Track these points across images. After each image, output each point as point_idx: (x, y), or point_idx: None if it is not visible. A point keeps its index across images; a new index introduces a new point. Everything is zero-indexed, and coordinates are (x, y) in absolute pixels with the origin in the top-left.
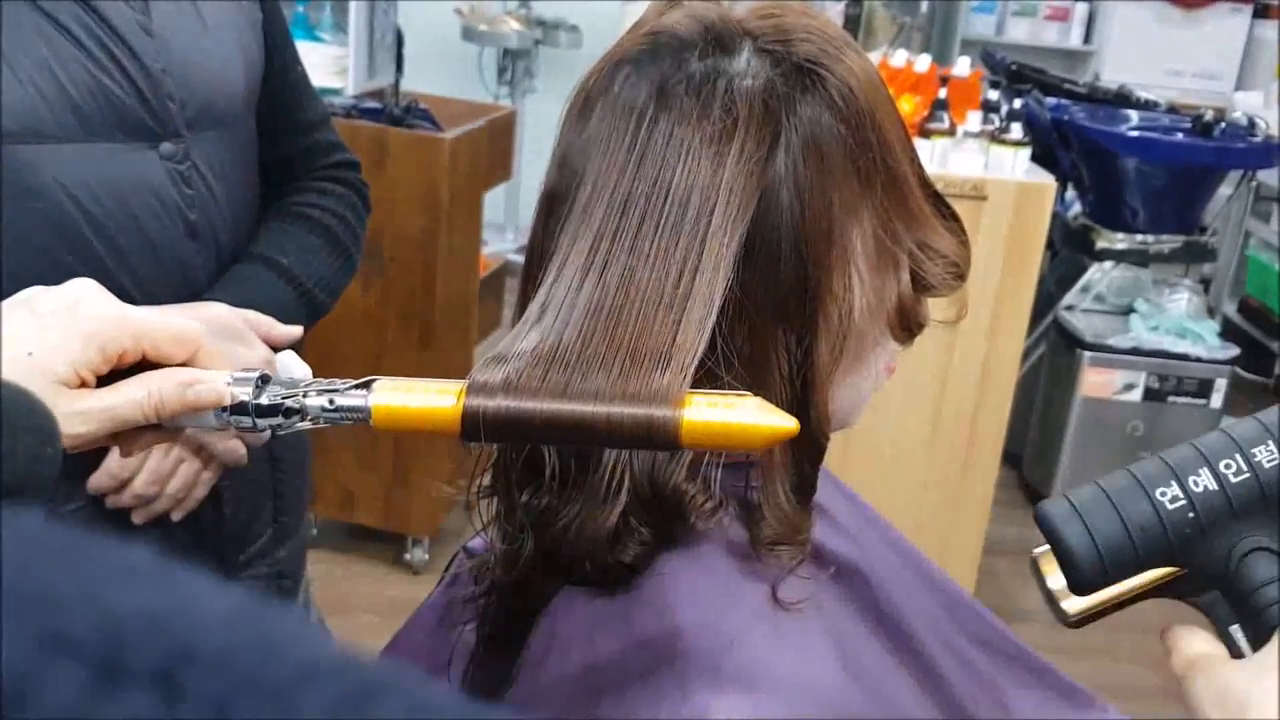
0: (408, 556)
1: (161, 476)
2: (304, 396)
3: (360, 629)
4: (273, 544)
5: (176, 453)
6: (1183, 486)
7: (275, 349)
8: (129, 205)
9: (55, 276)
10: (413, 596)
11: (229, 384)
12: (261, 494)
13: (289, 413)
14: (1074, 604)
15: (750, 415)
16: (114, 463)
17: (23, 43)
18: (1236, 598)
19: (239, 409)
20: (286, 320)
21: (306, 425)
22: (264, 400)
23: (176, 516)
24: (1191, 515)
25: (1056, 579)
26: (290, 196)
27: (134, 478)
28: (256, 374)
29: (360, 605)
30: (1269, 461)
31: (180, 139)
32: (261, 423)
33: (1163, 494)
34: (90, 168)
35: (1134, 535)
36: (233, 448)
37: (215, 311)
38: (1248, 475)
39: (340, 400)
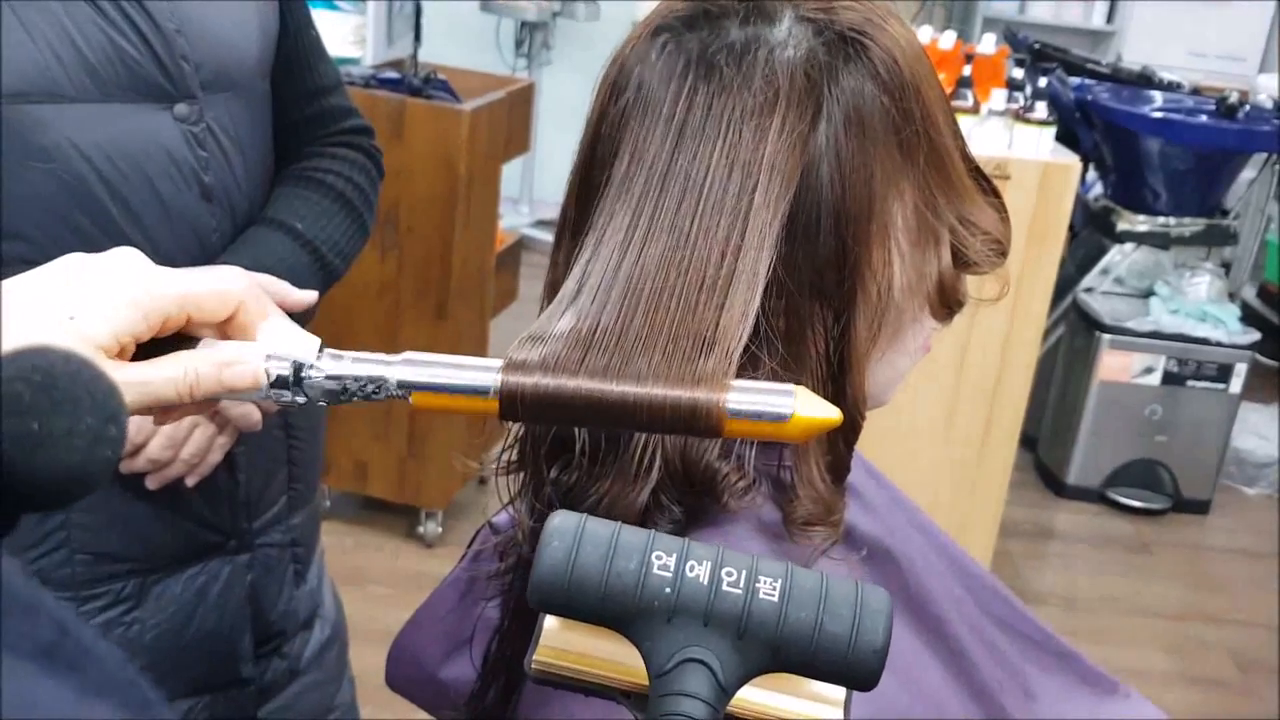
0: (420, 529)
1: (176, 442)
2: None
3: (372, 601)
4: (286, 511)
5: (191, 418)
6: (680, 564)
7: (290, 313)
8: (143, 166)
9: (68, 237)
10: (425, 569)
11: (269, 357)
12: (275, 461)
13: (331, 394)
14: (540, 656)
15: (794, 406)
16: (129, 427)
17: (37, 3)
18: (656, 698)
19: (279, 383)
20: (301, 284)
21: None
22: (306, 379)
23: (191, 482)
24: (668, 591)
25: (549, 623)
26: (304, 161)
27: (149, 442)
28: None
29: (372, 577)
30: (765, 594)
31: (195, 100)
32: (307, 395)
33: (658, 558)
34: (104, 128)
35: (609, 577)
36: (247, 413)
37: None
38: (739, 593)
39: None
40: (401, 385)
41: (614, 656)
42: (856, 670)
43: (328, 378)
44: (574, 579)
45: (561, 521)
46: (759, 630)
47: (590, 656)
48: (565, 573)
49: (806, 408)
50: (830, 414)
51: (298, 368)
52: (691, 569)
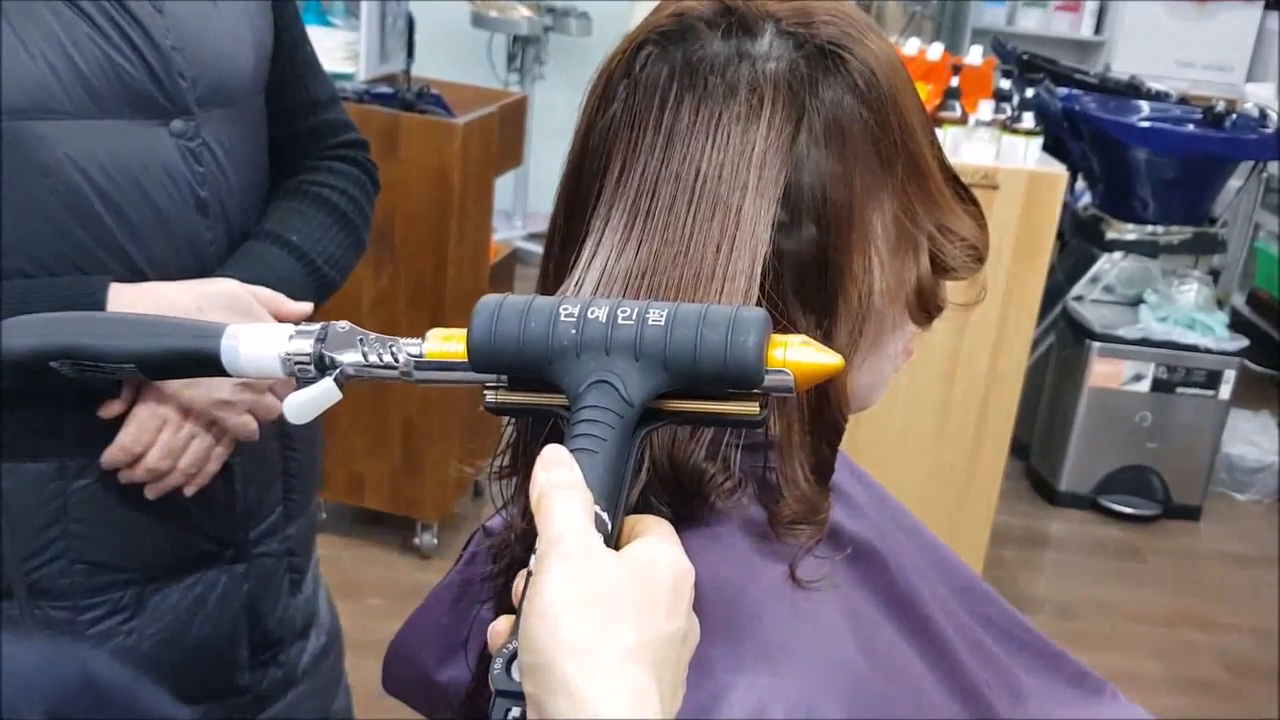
0: (416, 541)
1: (174, 451)
2: (363, 350)
3: (368, 613)
4: (283, 521)
5: (189, 428)
6: (583, 312)
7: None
8: (140, 181)
9: (68, 251)
10: (421, 581)
11: (291, 337)
12: (272, 471)
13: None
14: (492, 397)
15: (797, 353)
16: (128, 438)
17: (35, 19)
18: (574, 413)
19: (302, 360)
20: (296, 297)
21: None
22: (329, 356)
23: (189, 491)
24: (574, 333)
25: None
26: (299, 175)
27: (147, 452)
28: (317, 327)
29: (368, 589)
30: (654, 321)
31: (191, 116)
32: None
33: (564, 309)
34: (102, 144)
35: (524, 332)
36: (245, 423)
37: (226, 288)
38: (632, 324)
39: (395, 353)
40: (418, 364)
41: (542, 393)
42: (735, 369)
43: (351, 365)
44: (497, 337)
45: (485, 300)
46: (651, 350)
47: (528, 394)
48: (489, 334)
49: (807, 354)
50: (830, 360)
51: (320, 339)
52: (592, 313)
